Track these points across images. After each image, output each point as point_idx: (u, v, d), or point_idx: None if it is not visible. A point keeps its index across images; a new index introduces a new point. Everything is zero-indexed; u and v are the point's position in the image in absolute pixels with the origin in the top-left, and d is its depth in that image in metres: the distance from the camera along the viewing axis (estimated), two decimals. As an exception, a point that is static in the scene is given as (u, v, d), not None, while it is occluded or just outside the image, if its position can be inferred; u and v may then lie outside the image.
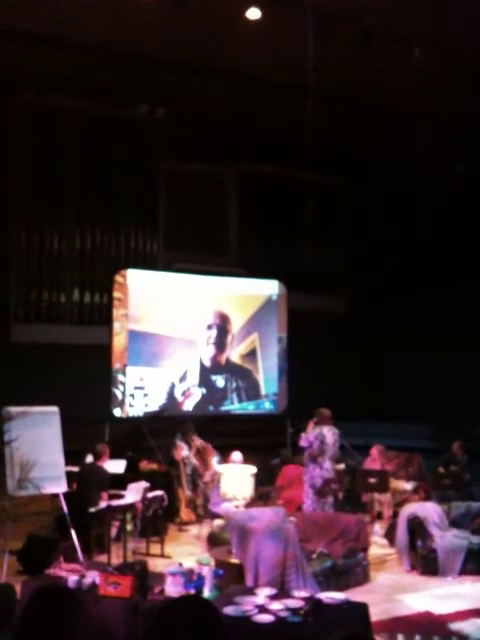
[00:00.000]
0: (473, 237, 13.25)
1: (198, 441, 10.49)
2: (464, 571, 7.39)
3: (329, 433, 8.60)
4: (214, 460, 10.26)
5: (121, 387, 11.96)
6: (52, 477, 7.58)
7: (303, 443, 8.67)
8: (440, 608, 6.33)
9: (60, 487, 7.75)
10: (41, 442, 7.55)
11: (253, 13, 9.64)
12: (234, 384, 13.25)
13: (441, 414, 12.14)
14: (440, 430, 11.98)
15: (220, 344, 13.14)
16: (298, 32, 9.33)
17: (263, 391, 13.50)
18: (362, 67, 10.69)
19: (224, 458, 9.73)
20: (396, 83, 10.95)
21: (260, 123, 12.54)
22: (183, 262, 13.51)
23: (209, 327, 13.07)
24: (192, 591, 4.82)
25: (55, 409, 7.92)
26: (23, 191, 12.64)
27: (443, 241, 13.68)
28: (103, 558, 7.49)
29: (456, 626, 5.93)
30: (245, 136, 12.96)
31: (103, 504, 7.81)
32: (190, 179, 14.14)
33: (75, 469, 8.49)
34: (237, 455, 8.79)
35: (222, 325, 13.19)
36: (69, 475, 8.09)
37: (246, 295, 13.61)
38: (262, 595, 4.79)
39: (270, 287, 13.80)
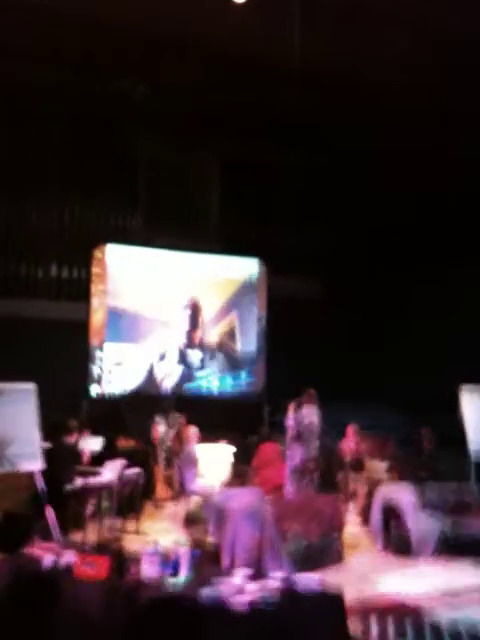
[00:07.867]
0: (456, 222, 13.23)
1: (179, 419, 10.44)
2: (437, 553, 7.49)
3: (314, 414, 8.65)
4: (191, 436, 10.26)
5: (99, 363, 11.90)
6: (28, 454, 7.54)
7: (290, 423, 8.70)
8: (412, 589, 6.41)
9: (36, 464, 7.71)
10: (17, 419, 7.51)
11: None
12: (212, 362, 13.25)
13: (412, 399, 12.10)
14: (408, 416, 11.92)
15: (195, 322, 13.11)
16: (282, 11, 9.17)
17: (241, 369, 13.51)
18: (346, 48, 10.57)
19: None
20: (379, 63, 10.84)
21: (243, 102, 12.38)
22: (163, 238, 13.40)
23: (185, 305, 13.03)
24: (169, 572, 4.84)
25: (31, 386, 7.86)
26: (1, 164, 12.42)
27: (424, 225, 13.66)
28: (79, 536, 7.49)
29: (428, 608, 6.00)
30: (227, 114, 12.79)
31: (80, 482, 7.79)
32: (171, 155, 13.98)
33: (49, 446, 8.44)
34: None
35: (197, 303, 13.15)
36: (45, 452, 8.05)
37: (226, 274, 13.57)
38: (239, 576, 4.81)
39: (250, 266, 13.76)
